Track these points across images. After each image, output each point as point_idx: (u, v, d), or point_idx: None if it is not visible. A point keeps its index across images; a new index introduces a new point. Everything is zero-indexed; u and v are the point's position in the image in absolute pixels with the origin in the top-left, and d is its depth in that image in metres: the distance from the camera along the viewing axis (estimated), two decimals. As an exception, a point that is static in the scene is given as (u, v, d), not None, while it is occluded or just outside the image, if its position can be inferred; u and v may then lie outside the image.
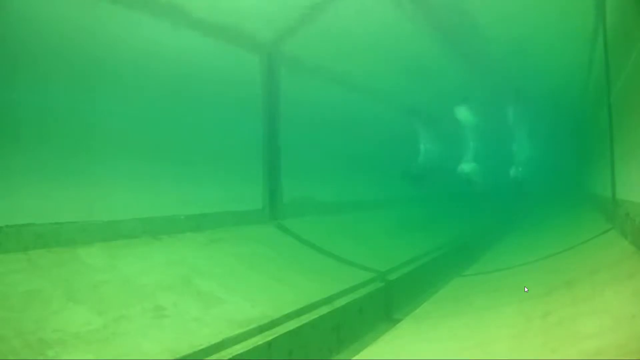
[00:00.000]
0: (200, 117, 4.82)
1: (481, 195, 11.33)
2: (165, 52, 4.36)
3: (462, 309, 3.45)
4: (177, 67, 4.50)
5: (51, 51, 3.46)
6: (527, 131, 10.73)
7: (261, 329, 2.92)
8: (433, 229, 8.11)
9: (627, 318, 1.99)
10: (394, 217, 7.97)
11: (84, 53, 3.68)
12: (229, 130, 5.19)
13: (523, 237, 6.90)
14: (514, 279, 4.02)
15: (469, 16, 5.50)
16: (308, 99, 6.36)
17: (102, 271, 3.18)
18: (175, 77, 4.49)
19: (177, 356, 2.39)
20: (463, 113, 9.55)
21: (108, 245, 3.53)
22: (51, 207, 3.34)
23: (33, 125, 3.36)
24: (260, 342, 2.78)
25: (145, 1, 4.08)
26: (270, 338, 2.85)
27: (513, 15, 5.40)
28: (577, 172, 10.34)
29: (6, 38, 3.17)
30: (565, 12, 5.08)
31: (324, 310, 3.54)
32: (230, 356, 2.55)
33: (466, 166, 9.33)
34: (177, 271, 3.52)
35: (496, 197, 11.40)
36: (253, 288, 3.64)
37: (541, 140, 11.14)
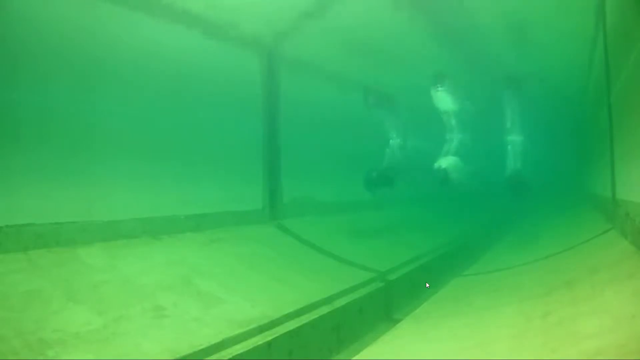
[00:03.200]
0: (200, 117, 4.82)
1: (479, 196, 11.07)
2: (165, 52, 4.36)
3: (462, 309, 3.45)
4: (177, 67, 4.50)
5: (51, 51, 3.46)
6: (525, 130, 9.97)
7: (261, 329, 2.92)
8: (430, 229, 8.09)
9: (627, 318, 1.99)
10: (394, 217, 7.96)
11: (83, 53, 3.68)
12: (229, 130, 5.19)
13: (523, 237, 6.90)
14: (514, 279, 4.02)
15: (467, 14, 5.49)
16: (308, 98, 6.35)
17: (102, 271, 3.18)
18: (175, 77, 4.49)
19: (177, 356, 2.39)
20: (441, 97, 7.70)
21: (108, 245, 3.53)
22: (51, 207, 3.34)
23: (33, 125, 3.36)
24: (260, 342, 2.77)
25: (145, 1, 4.08)
26: (270, 338, 2.85)
27: (512, 14, 5.40)
28: (577, 172, 10.30)
29: (6, 38, 3.17)
30: (565, 12, 5.08)
31: (324, 310, 3.54)
32: (230, 356, 2.55)
33: (444, 162, 7.43)
34: (177, 271, 3.51)
35: (495, 198, 11.12)
36: (253, 288, 3.64)
37: (540, 140, 10.74)
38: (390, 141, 8.58)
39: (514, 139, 9.60)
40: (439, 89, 7.40)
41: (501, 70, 7.36)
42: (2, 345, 2.15)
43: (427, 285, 5.60)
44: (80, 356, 2.23)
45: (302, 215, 5.99)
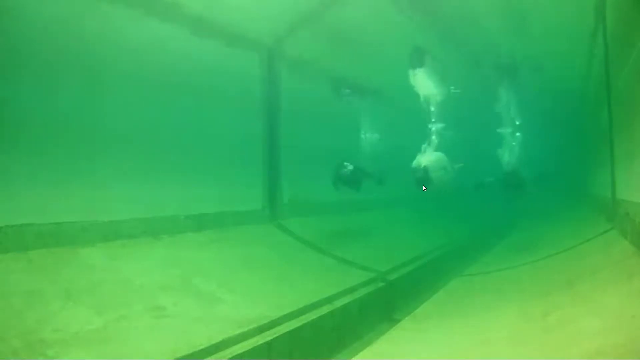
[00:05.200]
0: (200, 117, 4.81)
1: (471, 197, 10.51)
2: (166, 52, 4.35)
3: (462, 309, 3.45)
4: (178, 67, 4.49)
5: (52, 52, 3.45)
6: (522, 124, 8.65)
7: (261, 329, 2.92)
8: (422, 232, 7.93)
9: (627, 318, 1.99)
10: (392, 217, 7.95)
11: (85, 54, 3.68)
12: (230, 131, 5.19)
13: (523, 237, 6.89)
14: (514, 279, 4.02)
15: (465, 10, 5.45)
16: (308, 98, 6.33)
17: (102, 271, 3.18)
18: (176, 78, 4.48)
19: (177, 356, 2.39)
20: (421, 80, 6.34)
21: (108, 245, 3.53)
22: (51, 207, 3.34)
23: (34, 125, 3.35)
24: (260, 342, 2.78)
25: (148, 1, 4.08)
26: (270, 338, 2.85)
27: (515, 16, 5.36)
28: (577, 173, 10.23)
29: (9, 40, 3.17)
30: (566, 12, 5.07)
31: (324, 310, 3.54)
32: (230, 356, 2.55)
33: (424, 160, 6.03)
34: (177, 271, 3.51)
35: (489, 198, 10.27)
36: (253, 288, 3.64)
37: (538, 136, 10.03)
38: (363, 135, 7.51)
39: (510, 133, 8.54)
40: (418, 69, 6.19)
41: (496, 56, 6.82)
42: (2, 345, 2.15)
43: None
44: (80, 356, 2.23)
45: (302, 215, 5.98)
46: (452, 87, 7.08)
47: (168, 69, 4.40)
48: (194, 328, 2.75)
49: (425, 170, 5.98)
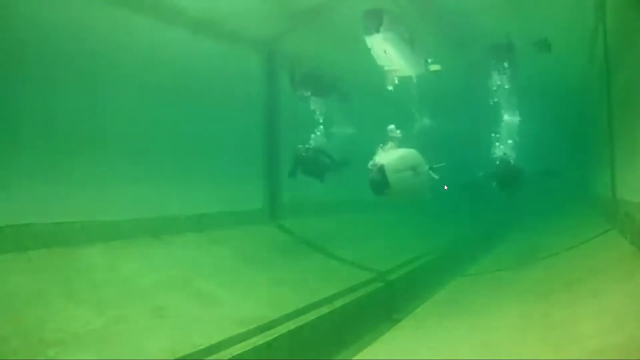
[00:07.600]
0: (200, 118, 4.81)
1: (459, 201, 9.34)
2: (166, 53, 4.35)
3: (462, 309, 3.45)
4: (178, 68, 4.49)
5: (53, 52, 3.45)
6: (515, 112, 7.43)
7: (261, 329, 2.92)
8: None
9: (627, 318, 1.99)
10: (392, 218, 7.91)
11: (86, 54, 3.68)
12: (230, 131, 5.18)
13: (523, 237, 6.87)
14: (514, 278, 4.02)
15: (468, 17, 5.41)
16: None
17: (102, 271, 3.18)
18: (176, 78, 4.48)
19: (177, 356, 2.39)
20: (380, 46, 4.59)
21: (108, 245, 3.53)
22: (51, 207, 3.34)
23: (34, 125, 3.36)
24: (260, 342, 2.77)
25: (147, 2, 4.08)
26: (270, 338, 2.85)
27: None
28: (578, 172, 10.16)
29: (8, 38, 3.16)
30: (566, 12, 5.06)
31: (324, 310, 3.53)
32: (230, 356, 2.55)
33: (384, 157, 4.59)
34: (177, 271, 3.51)
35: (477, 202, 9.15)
36: (253, 288, 3.64)
37: (538, 137, 9.44)
38: (321, 127, 6.18)
39: (504, 122, 7.19)
40: (375, 35, 4.40)
41: (488, 37, 6.05)
42: (2, 345, 2.15)
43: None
44: (80, 356, 2.23)
45: (301, 215, 5.97)
46: (429, 62, 5.29)
47: (168, 69, 4.40)
48: (194, 328, 2.75)
49: (382, 170, 4.43)
